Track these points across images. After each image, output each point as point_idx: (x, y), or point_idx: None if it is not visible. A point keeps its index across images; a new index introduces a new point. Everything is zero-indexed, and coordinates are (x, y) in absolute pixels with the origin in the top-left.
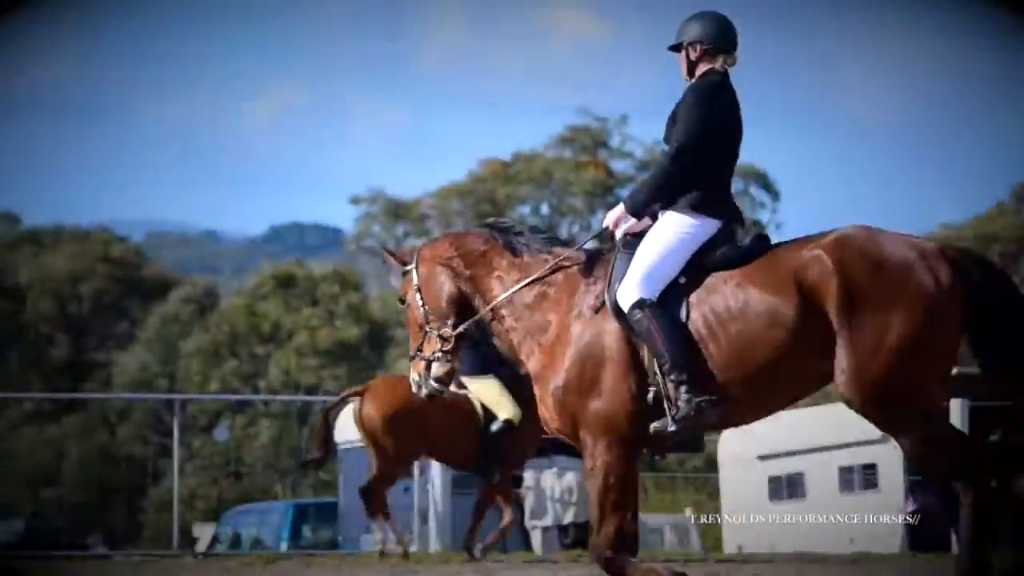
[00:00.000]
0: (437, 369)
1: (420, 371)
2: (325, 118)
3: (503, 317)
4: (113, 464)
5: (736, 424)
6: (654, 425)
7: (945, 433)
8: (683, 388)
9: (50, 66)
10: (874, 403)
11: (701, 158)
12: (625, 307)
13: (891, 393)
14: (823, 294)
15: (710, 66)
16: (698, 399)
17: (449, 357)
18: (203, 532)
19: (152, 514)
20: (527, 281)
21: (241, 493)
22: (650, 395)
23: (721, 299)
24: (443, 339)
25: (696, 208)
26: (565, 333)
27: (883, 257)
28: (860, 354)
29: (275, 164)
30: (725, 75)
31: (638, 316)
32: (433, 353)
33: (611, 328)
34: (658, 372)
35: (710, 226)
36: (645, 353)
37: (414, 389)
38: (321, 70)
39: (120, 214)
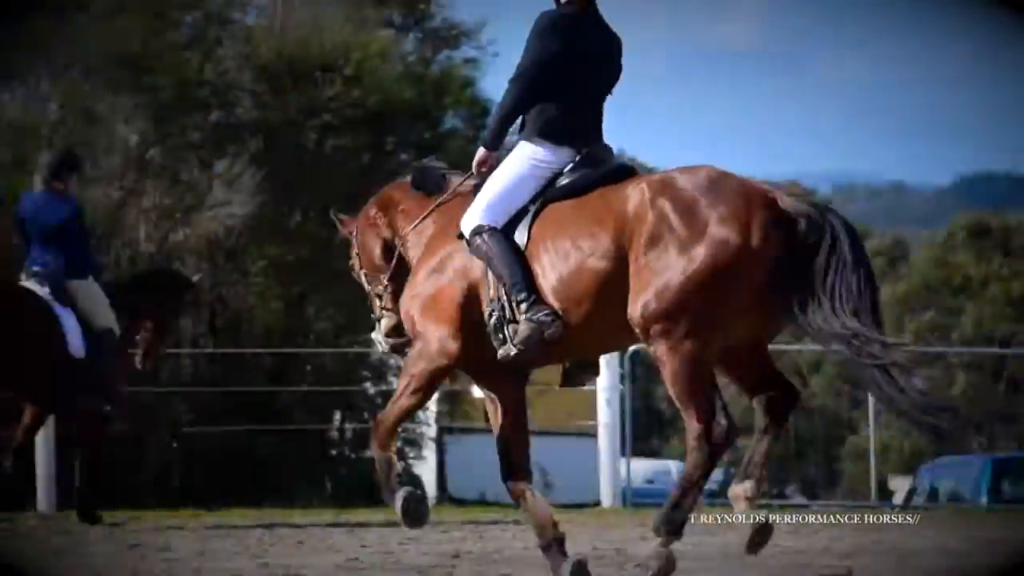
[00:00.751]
0: (384, 325)
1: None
2: None
3: (409, 252)
4: (808, 415)
5: (577, 356)
6: (500, 351)
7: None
8: (523, 307)
9: None
10: (646, 334)
11: (543, 89)
12: (467, 233)
13: (664, 331)
14: (634, 228)
15: None
16: (537, 315)
17: (391, 310)
18: (899, 484)
19: (849, 465)
20: (424, 215)
21: (935, 446)
22: (492, 320)
23: (558, 227)
24: (379, 296)
25: (546, 137)
26: (430, 255)
27: (699, 199)
28: (644, 287)
29: (965, 112)
30: (582, 5)
31: (477, 242)
32: (380, 311)
33: (463, 255)
34: (503, 297)
35: (562, 155)
36: (492, 280)
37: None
38: None
39: (808, 166)
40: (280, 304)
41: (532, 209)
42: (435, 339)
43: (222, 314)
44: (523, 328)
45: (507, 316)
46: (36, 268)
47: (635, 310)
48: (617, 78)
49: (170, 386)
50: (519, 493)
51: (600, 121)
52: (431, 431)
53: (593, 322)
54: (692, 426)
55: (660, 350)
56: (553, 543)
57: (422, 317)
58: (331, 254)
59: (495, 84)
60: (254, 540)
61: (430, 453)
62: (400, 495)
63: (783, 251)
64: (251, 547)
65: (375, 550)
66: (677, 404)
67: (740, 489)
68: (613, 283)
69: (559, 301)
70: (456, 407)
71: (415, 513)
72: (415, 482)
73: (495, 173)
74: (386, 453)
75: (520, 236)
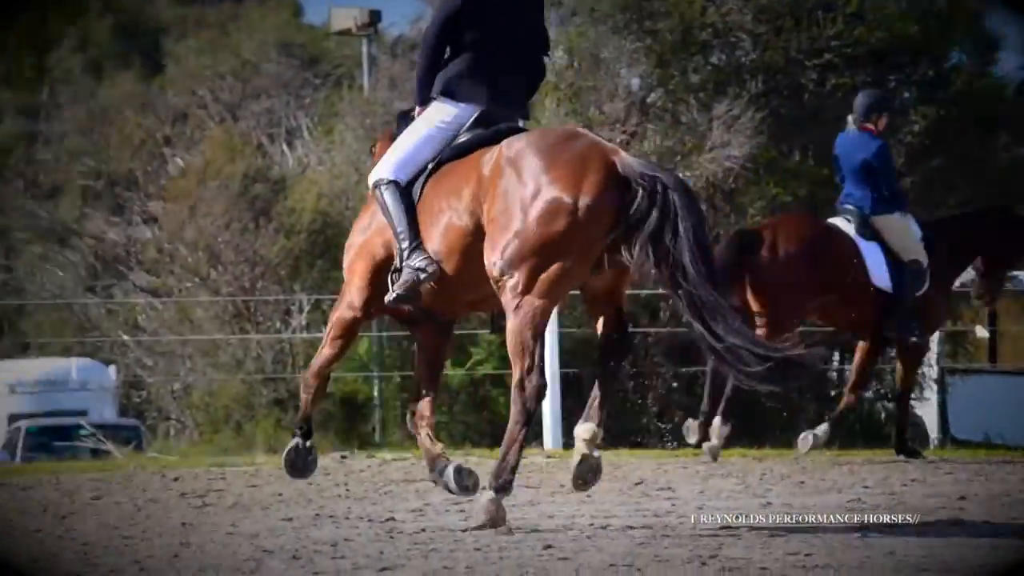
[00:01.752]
0: None
1: None
2: None
3: None
4: None
5: (453, 313)
6: (385, 297)
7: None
8: (405, 254)
9: None
10: (498, 289)
11: (452, 47)
12: (371, 186)
13: (508, 286)
14: (487, 189)
15: None
16: (415, 262)
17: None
18: None
19: None
20: (373, 163)
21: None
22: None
23: (440, 185)
24: None
25: (449, 96)
26: (366, 208)
27: (541, 160)
28: (492, 245)
29: None
30: None
31: (377, 194)
32: None
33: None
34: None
35: (465, 112)
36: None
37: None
38: None
39: None
40: None
41: (429, 167)
42: (351, 291)
43: None
44: (403, 274)
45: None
46: (846, 205)
47: (487, 266)
48: (535, 39)
49: (671, 326)
50: (415, 429)
51: (517, 77)
52: (933, 372)
53: (463, 276)
54: (515, 377)
55: (505, 303)
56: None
57: (347, 269)
58: (830, 194)
59: (1000, 17)
60: (755, 479)
61: (932, 394)
62: (289, 445)
63: (616, 210)
64: (752, 486)
65: (877, 490)
66: (509, 354)
67: (580, 430)
68: (473, 240)
69: (435, 255)
70: (959, 347)
71: (295, 464)
72: (308, 435)
73: (407, 129)
74: (305, 401)
75: (416, 192)
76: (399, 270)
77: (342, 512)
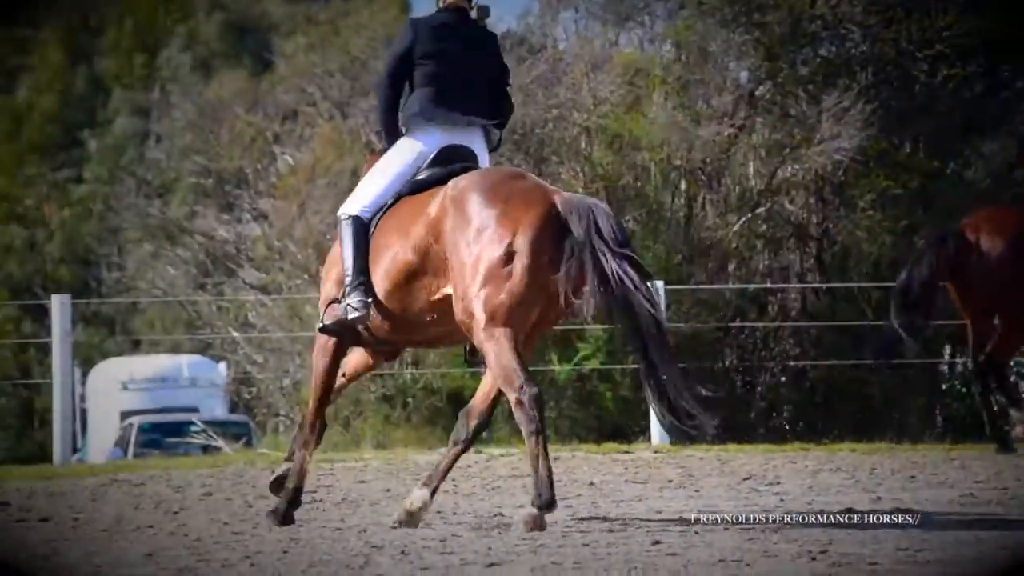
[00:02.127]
0: None
1: None
2: None
3: None
4: None
5: (411, 344)
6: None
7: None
8: (347, 290)
9: None
10: (466, 328)
11: (398, 88)
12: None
13: (473, 327)
14: (437, 229)
15: (440, 4)
16: (351, 300)
17: None
18: None
19: None
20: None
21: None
22: None
23: (391, 222)
24: None
25: (411, 130)
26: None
27: (483, 201)
28: (454, 289)
29: None
30: (449, 11)
31: (338, 228)
32: None
33: None
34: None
35: (427, 149)
36: None
37: None
38: None
39: None
40: (888, 238)
41: (389, 202)
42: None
43: (829, 248)
44: (339, 308)
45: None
46: None
47: (455, 311)
48: (491, 70)
49: (778, 320)
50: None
51: (476, 109)
52: None
53: (407, 311)
54: (512, 399)
55: (477, 343)
56: (290, 492)
57: (322, 301)
58: (941, 186)
59: None
60: (864, 474)
61: None
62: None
63: (556, 243)
64: (862, 481)
65: (989, 485)
66: (499, 384)
67: (414, 497)
68: (416, 276)
69: (379, 290)
70: None
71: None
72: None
73: (374, 166)
74: (302, 453)
75: (372, 227)
76: (338, 301)
77: (450, 508)
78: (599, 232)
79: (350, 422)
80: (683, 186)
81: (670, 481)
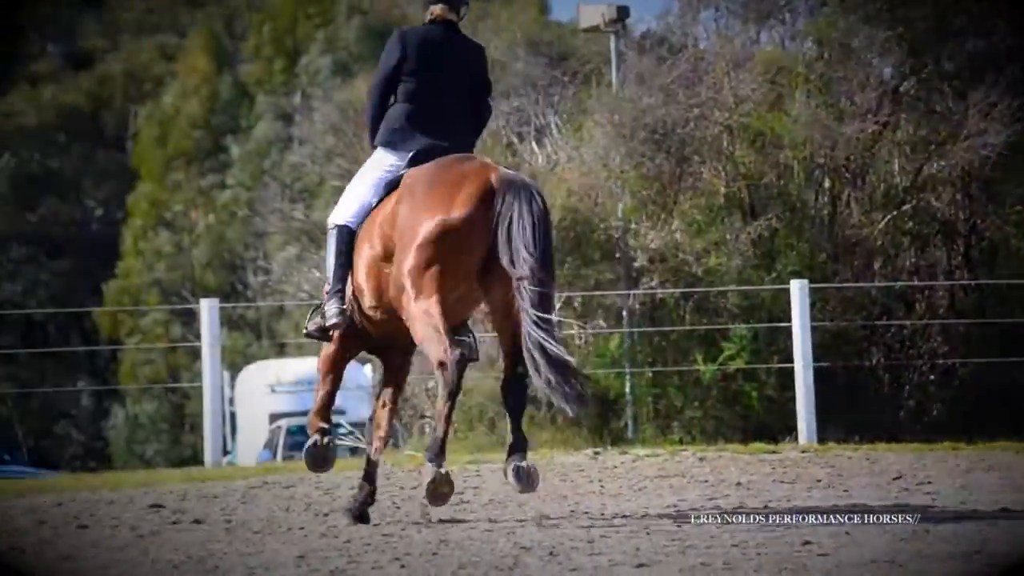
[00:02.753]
0: None
1: None
2: None
3: None
4: None
5: (386, 339)
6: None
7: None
8: (327, 298)
9: None
10: (397, 303)
11: (386, 100)
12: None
13: (403, 297)
14: (391, 214)
15: (429, 17)
16: (327, 307)
17: None
18: None
19: None
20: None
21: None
22: None
23: (368, 223)
24: None
25: (387, 145)
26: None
27: (424, 184)
28: (395, 266)
29: None
30: (434, 25)
31: (326, 237)
32: None
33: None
34: None
35: (399, 159)
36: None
37: None
38: None
39: None
40: None
41: (374, 204)
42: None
43: (977, 245)
44: (318, 317)
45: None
46: None
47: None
48: (472, 86)
49: (926, 318)
50: (371, 437)
51: (456, 119)
52: None
53: (389, 305)
54: (435, 360)
55: (404, 313)
56: (368, 491)
57: None
58: None
59: None
60: (1019, 474)
61: None
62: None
63: (487, 219)
64: (1016, 480)
65: None
66: (423, 350)
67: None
68: (384, 266)
69: (366, 289)
70: None
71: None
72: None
73: (356, 176)
74: (312, 435)
75: (357, 232)
76: (319, 308)
77: (597, 509)
78: (520, 212)
79: (495, 424)
80: (827, 184)
81: (818, 481)
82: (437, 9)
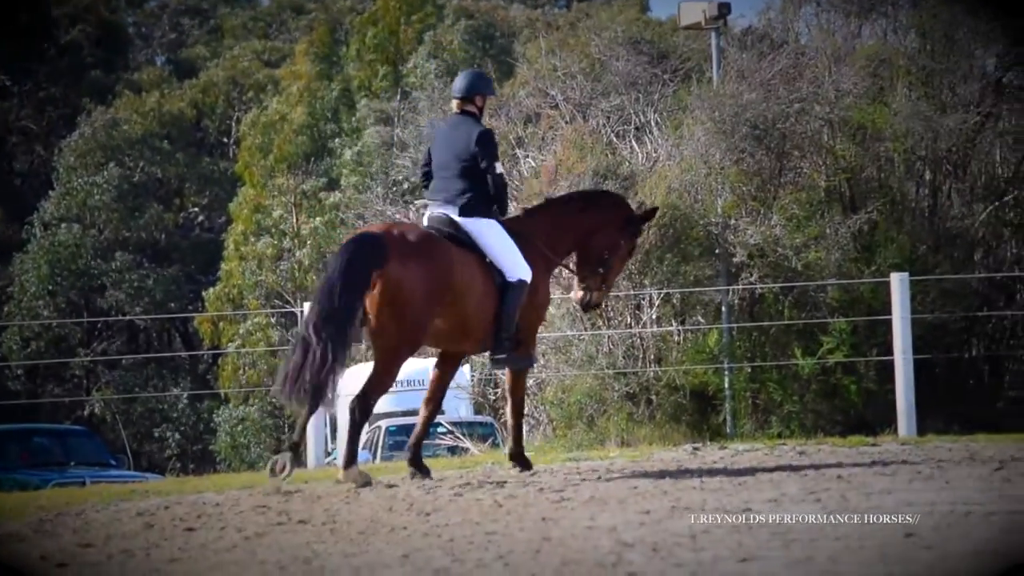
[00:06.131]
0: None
1: None
2: None
3: None
4: None
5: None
6: None
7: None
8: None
9: None
10: None
11: (427, 168)
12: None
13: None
14: None
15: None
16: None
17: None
18: None
19: None
20: None
21: None
22: None
23: None
24: None
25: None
26: None
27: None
28: None
29: None
30: (457, 114)
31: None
32: None
33: None
34: None
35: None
36: None
37: None
38: None
39: None
40: None
41: None
42: None
43: None
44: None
45: None
46: None
47: None
48: (466, 155)
49: None
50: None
51: (451, 192)
52: None
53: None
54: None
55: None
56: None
57: None
58: None
59: None
60: None
61: None
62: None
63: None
64: None
65: None
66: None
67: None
68: None
69: None
70: None
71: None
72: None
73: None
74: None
75: None
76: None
77: (698, 504)
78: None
79: (595, 420)
80: (927, 176)
81: (919, 472)
82: (453, 104)
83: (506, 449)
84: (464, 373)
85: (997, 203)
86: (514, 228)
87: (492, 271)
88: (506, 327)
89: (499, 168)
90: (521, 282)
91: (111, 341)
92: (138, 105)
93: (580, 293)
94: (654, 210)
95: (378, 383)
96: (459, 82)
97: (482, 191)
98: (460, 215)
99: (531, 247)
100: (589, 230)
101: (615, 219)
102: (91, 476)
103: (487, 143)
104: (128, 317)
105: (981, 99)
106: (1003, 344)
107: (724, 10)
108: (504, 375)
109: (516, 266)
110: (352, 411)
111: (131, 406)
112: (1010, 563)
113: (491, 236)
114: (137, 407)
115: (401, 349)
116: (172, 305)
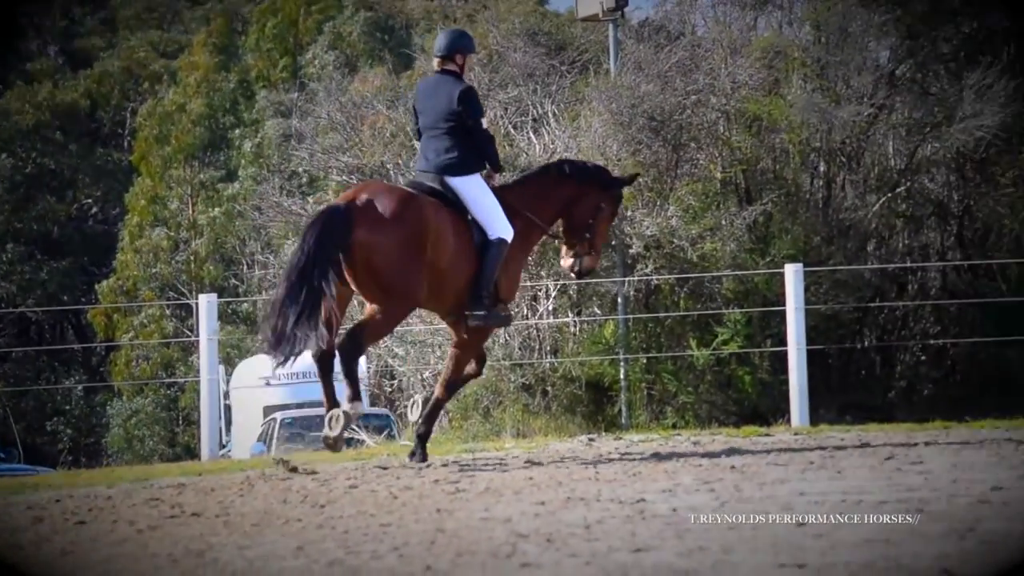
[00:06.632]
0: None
1: None
2: None
3: None
4: None
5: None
6: None
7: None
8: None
9: None
10: None
11: (416, 135)
12: None
13: None
14: None
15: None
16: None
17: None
18: None
19: None
20: None
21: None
22: None
23: None
24: None
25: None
26: None
27: None
28: None
29: None
30: (438, 72)
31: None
32: None
33: None
34: None
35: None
36: None
37: None
38: None
39: None
40: None
41: None
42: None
43: (970, 226)
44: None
45: None
46: None
47: None
48: (449, 113)
49: (918, 299)
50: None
51: (437, 152)
52: None
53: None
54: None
55: None
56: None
57: None
58: None
59: None
60: (1010, 450)
61: None
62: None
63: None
64: (1007, 458)
65: None
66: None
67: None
68: None
69: None
70: None
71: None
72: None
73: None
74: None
75: None
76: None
77: (593, 494)
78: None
79: (490, 411)
80: (822, 167)
81: (812, 463)
82: (434, 62)
83: (416, 428)
84: (361, 364)
85: (890, 194)
86: (500, 200)
87: (472, 229)
88: (485, 284)
89: (485, 123)
90: (501, 240)
91: (2, 333)
92: (30, 96)
93: (570, 261)
94: (635, 175)
95: (373, 328)
96: (440, 40)
97: (469, 147)
98: (448, 175)
99: (518, 216)
100: (571, 198)
101: (594, 185)
102: None
103: (470, 99)
104: (20, 309)
105: (874, 91)
106: (895, 334)
107: (621, 2)
108: (447, 359)
109: (497, 223)
110: (343, 349)
111: (22, 399)
112: (898, 551)
113: (475, 192)
114: (29, 400)
115: (392, 306)
116: (65, 297)
